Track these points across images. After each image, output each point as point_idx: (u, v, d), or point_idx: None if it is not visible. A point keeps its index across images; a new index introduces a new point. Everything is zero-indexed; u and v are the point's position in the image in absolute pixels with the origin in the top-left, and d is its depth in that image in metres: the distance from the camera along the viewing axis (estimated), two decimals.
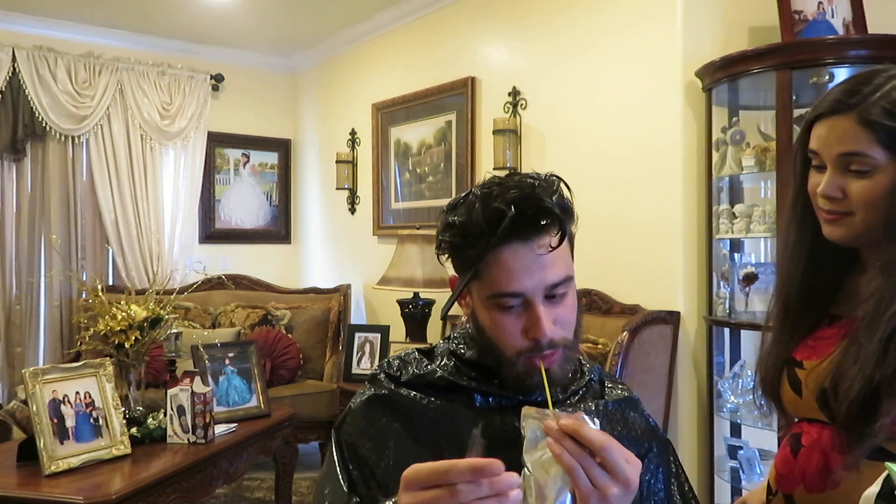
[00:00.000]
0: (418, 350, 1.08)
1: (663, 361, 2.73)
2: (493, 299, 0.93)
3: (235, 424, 2.77)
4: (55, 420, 2.25)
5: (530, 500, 0.79)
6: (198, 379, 2.57)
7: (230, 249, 5.13)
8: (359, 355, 3.91)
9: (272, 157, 5.33)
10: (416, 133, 4.19)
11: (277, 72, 5.35)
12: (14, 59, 4.22)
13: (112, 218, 4.54)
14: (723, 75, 2.60)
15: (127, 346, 2.58)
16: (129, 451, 2.38)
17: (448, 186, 3.96)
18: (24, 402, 3.00)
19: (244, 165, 5.22)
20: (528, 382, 0.94)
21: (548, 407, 0.81)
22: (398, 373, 1.04)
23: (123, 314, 2.60)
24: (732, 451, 2.70)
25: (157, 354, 3.11)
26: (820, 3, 2.51)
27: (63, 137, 4.41)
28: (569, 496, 0.78)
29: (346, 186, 4.75)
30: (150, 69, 4.67)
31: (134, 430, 2.49)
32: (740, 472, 2.60)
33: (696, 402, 2.83)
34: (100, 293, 2.65)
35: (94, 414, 2.35)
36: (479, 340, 1.00)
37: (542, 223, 0.90)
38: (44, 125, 4.32)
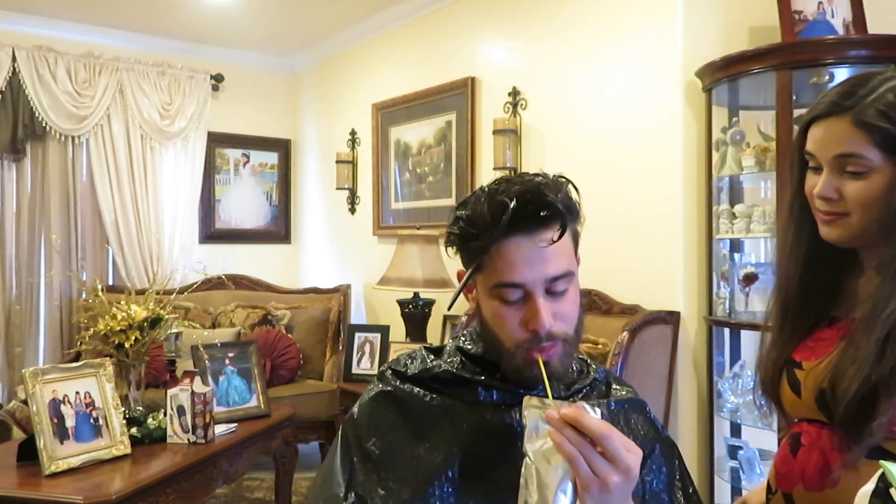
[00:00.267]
0: (426, 348, 1.11)
1: (663, 361, 2.73)
2: (496, 290, 0.95)
3: (235, 424, 2.78)
4: (55, 420, 2.25)
5: (532, 489, 0.79)
6: (198, 379, 2.57)
7: (230, 249, 5.13)
8: (359, 355, 3.91)
9: (272, 157, 5.33)
10: (416, 133, 4.19)
11: (277, 72, 5.34)
12: (14, 59, 4.22)
13: (112, 218, 4.53)
14: (723, 75, 2.60)
15: (127, 346, 2.58)
16: (129, 451, 2.38)
17: (448, 186, 3.96)
18: (24, 402, 3.00)
19: (244, 165, 5.22)
20: (527, 374, 0.95)
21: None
22: (405, 368, 1.07)
23: (123, 314, 2.60)
24: (732, 452, 2.70)
25: (157, 354, 3.10)
26: (820, 3, 2.51)
27: (63, 137, 4.41)
28: (570, 485, 0.79)
29: (346, 186, 4.75)
30: (150, 69, 4.67)
31: (134, 430, 2.49)
32: (740, 472, 2.60)
33: (696, 402, 2.83)
34: (100, 293, 2.65)
35: (94, 414, 2.35)
36: (482, 334, 1.02)
37: (543, 215, 0.91)
38: (44, 125, 4.32)
